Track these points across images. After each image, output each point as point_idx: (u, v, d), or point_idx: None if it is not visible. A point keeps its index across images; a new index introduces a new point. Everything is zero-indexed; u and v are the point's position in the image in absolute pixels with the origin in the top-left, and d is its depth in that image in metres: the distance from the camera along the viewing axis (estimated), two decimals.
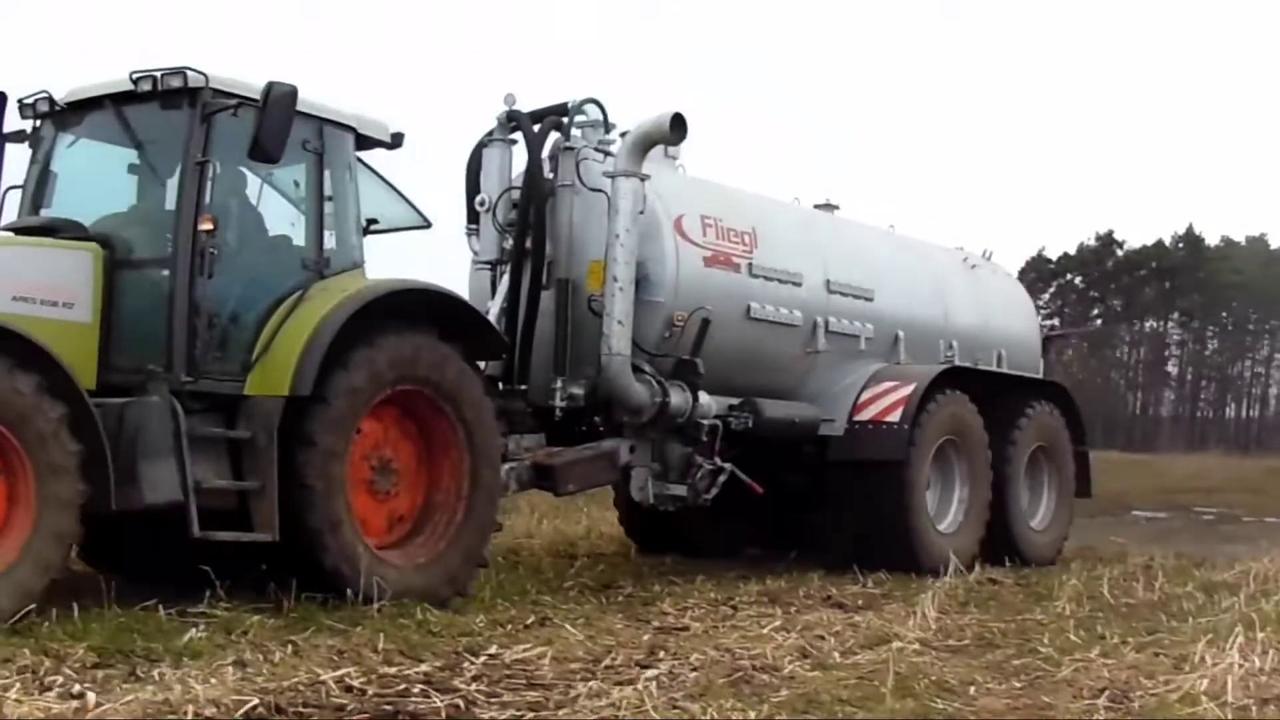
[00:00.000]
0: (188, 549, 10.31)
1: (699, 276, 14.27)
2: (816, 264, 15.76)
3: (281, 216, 11.41)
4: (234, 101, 10.50)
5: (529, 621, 10.80)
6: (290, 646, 8.91)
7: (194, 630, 9.16)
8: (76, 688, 7.41)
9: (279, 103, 10.23)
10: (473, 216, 14.49)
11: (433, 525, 11.57)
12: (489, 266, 14.31)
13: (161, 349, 10.24)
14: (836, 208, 17.62)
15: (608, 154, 14.12)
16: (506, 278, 13.92)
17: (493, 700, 7.90)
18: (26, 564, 9.05)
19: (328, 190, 11.28)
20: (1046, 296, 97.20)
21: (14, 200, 11.41)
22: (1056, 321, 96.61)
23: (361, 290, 11.02)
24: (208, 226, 10.25)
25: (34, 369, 9.14)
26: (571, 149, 14.15)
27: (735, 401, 14.72)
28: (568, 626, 10.48)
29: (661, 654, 9.51)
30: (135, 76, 10.60)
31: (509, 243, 14.08)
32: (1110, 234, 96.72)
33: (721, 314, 14.25)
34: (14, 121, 11.46)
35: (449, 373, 11.45)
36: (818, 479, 15.77)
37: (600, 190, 13.78)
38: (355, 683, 8.03)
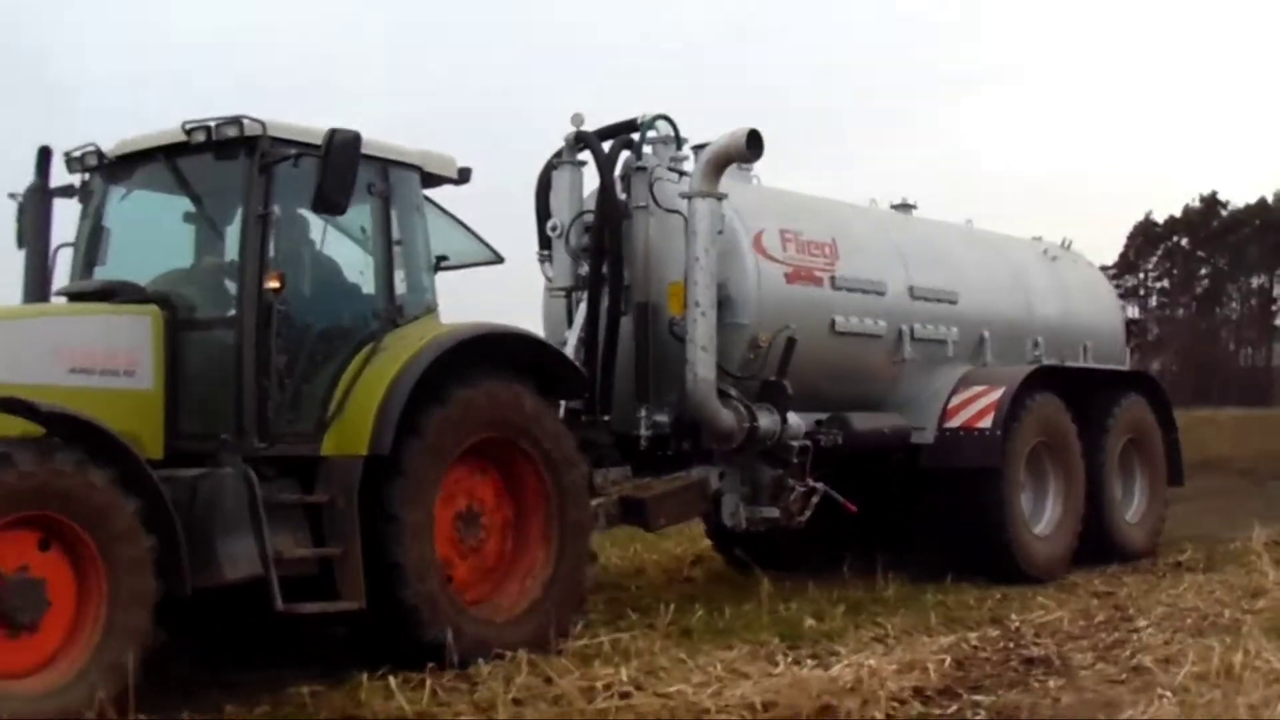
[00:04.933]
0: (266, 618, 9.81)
1: (781, 294, 13.75)
2: (898, 270, 15.25)
3: (349, 263, 10.86)
4: (294, 151, 9.90)
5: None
6: (884, 629, 11.86)
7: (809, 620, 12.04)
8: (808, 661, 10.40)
9: (343, 150, 9.63)
10: (544, 242, 13.97)
11: (525, 572, 11.10)
12: (564, 293, 13.77)
13: (231, 414, 9.68)
14: (914, 207, 17.06)
15: (682, 173, 13.62)
16: (584, 305, 13.38)
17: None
18: (97, 668, 8.46)
19: (396, 234, 10.72)
20: (1155, 259, 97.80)
21: (65, 258, 10.86)
22: (1166, 284, 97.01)
23: (438, 338, 10.48)
24: (274, 285, 9.66)
25: (108, 461, 8.65)
26: (644, 169, 13.64)
27: (823, 417, 14.21)
28: (1039, 597, 13.86)
29: (1132, 609, 12.92)
30: (188, 127, 10.02)
31: (584, 268, 13.54)
32: (1214, 194, 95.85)
33: (806, 330, 13.72)
34: (60, 176, 10.96)
35: (530, 416, 10.97)
36: (908, 487, 15.30)
37: (676, 211, 13.25)
38: (973, 641, 11.28)
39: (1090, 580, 15.22)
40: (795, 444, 13.65)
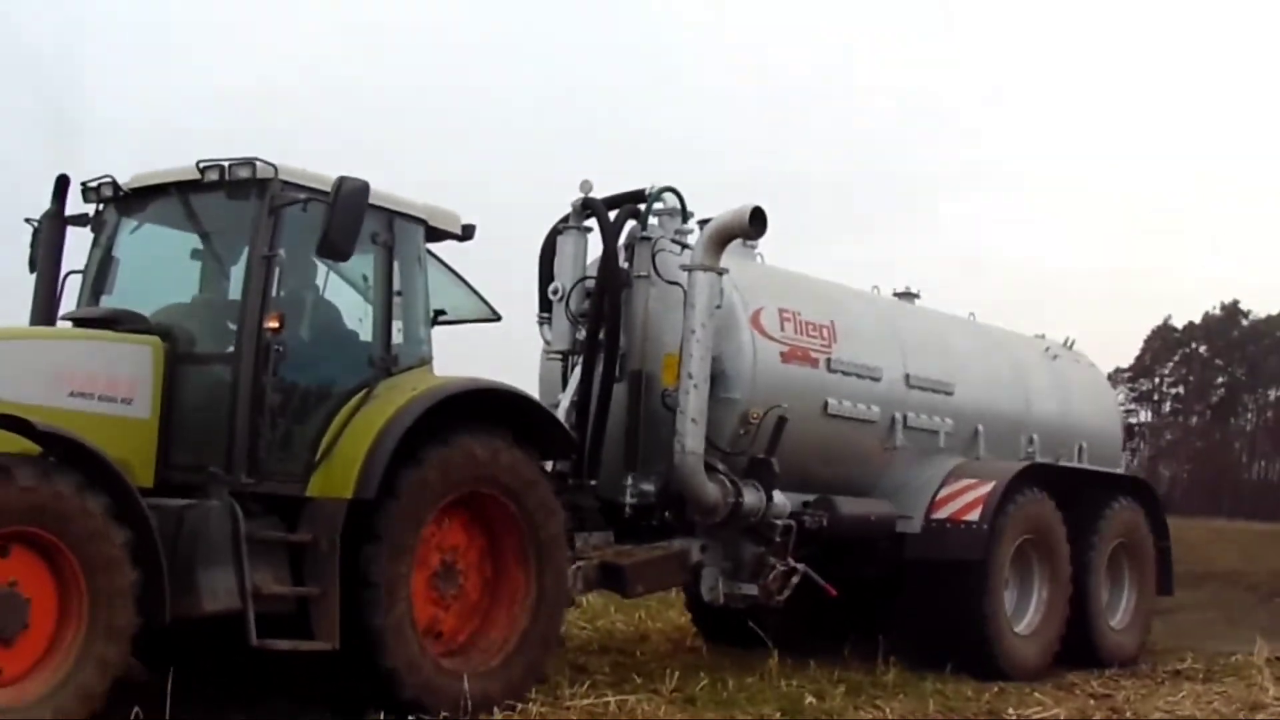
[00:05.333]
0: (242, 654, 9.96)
1: (776, 372, 13.86)
2: (896, 357, 15.36)
3: (348, 309, 11.09)
4: (303, 195, 10.17)
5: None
6: (883, 712, 12.25)
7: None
8: None
9: (350, 198, 9.88)
10: (545, 305, 14.11)
11: (510, 598, 11.28)
12: (560, 357, 13.92)
13: (222, 448, 9.89)
14: (917, 296, 17.22)
15: (685, 245, 13.75)
16: (578, 369, 13.52)
17: None
18: (68, 690, 8.68)
19: (396, 284, 10.94)
20: (1171, 365, 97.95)
21: (74, 285, 11.13)
22: (1181, 390, 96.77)
23: (430, 390, 10.68)
24: (274, 324, 9.90)
25: (102, 488, 8.90)
26: (648, 239, 13.78)
27: (810, 498, 14.30)
28: (1036, 694, 13.86)
29: (1129, 713, 13.07)
30: (202, 165, 10.29)
31: (582, 333, 13.68)
32: (1236, 303, 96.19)
33: (798, 410, 13.82)
34: (75, 204, 11.22)
35: (516, 474, 11.13)
36: (894, 573, 15.31)
37: (676, 283, 13.39)
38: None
39: (1087, 681, 15.24)
40: (779, 523, 13.72)
